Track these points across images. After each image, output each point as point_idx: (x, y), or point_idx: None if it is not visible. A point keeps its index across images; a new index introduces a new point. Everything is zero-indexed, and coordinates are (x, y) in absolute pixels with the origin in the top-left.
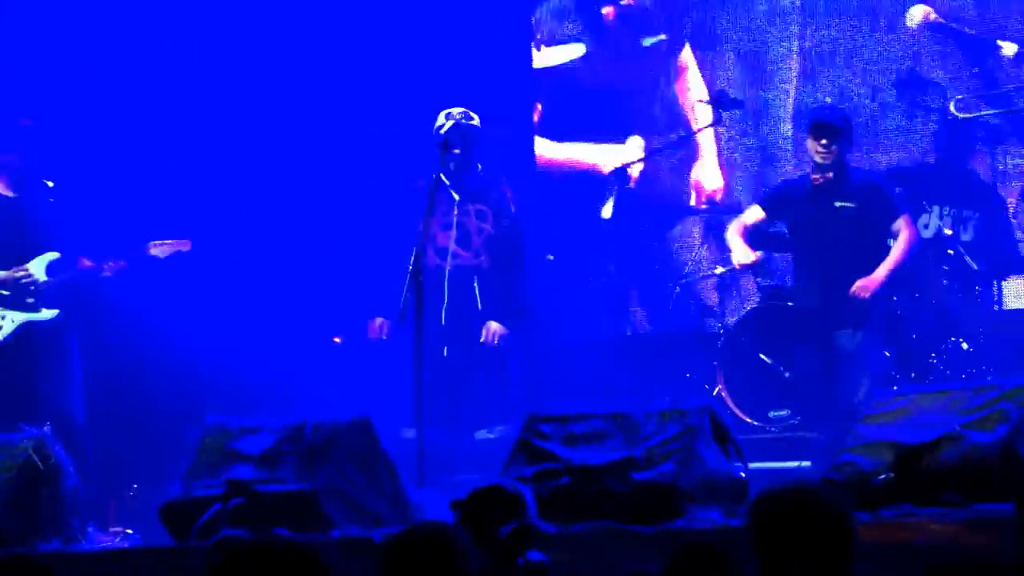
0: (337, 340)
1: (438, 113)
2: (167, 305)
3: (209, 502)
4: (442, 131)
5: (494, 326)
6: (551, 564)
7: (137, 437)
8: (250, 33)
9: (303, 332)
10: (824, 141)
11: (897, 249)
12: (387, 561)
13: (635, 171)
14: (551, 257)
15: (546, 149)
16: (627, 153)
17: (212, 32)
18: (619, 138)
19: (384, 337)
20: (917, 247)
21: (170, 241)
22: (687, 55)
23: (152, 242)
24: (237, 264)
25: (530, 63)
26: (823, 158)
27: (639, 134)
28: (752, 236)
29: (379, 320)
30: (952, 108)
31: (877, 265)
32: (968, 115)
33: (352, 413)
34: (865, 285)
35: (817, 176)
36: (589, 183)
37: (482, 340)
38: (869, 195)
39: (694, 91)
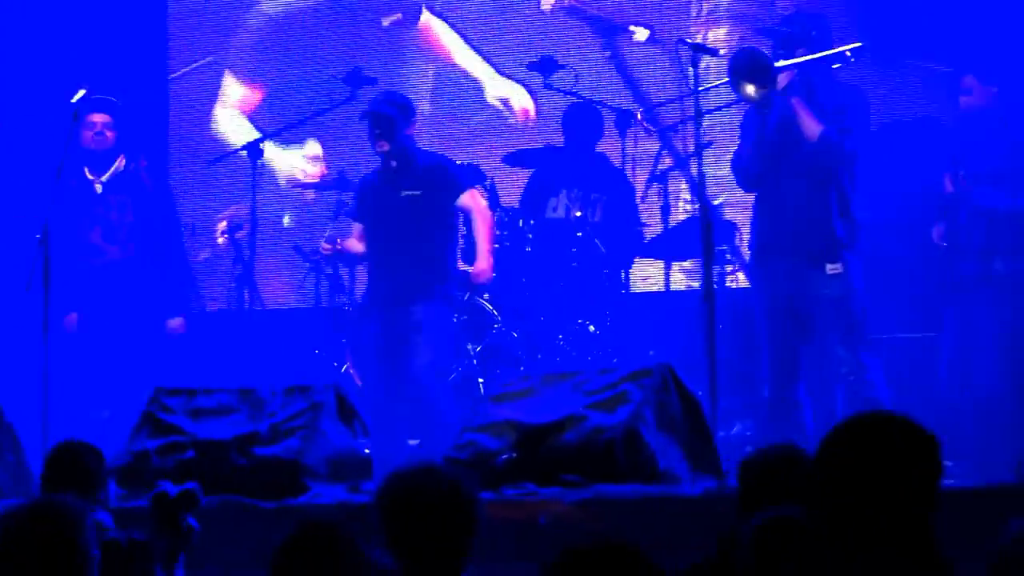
0: None
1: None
2: None
3: None
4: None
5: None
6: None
7: None
8: None
9: None
10: (378, 131)
11: (480, 231)
12: (3, 534)
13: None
14: None
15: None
16: None
17: None
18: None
19: (74, 330)
20: (495, 217)
21: None
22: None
23: None
24: None
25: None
26: (379, 148)
27: None
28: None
29: (72, 315)
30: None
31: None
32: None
33: None
34: (479, 272)
35: (383, 166)
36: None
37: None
38: (433, 178)
39: (457, 53)
